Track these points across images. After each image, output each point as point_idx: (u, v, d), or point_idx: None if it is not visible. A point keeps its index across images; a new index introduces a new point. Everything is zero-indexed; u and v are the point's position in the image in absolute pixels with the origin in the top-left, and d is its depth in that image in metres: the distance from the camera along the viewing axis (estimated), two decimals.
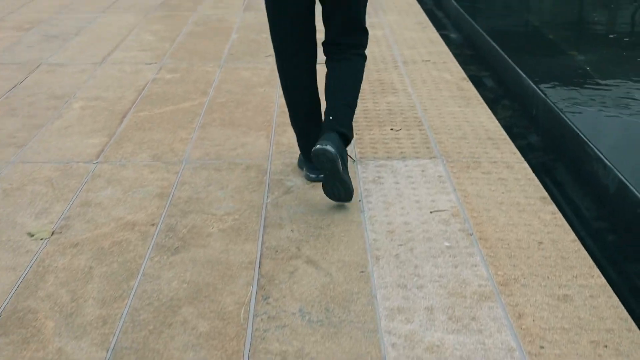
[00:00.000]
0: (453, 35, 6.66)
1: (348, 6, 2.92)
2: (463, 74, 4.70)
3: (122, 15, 6.44)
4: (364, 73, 3.17)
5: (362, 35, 3.05)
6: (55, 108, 4.17)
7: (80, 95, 4.39)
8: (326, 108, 2.98)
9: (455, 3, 7.01)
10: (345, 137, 2.92)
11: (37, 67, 4.97)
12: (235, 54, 5.23)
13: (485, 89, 5.05)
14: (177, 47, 5.40)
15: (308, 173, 3.21)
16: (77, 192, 3.12)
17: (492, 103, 4.61)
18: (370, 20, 6.16)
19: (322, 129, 2.94)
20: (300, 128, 3.18)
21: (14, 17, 6.45)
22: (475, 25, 6.13)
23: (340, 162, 2.79)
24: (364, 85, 4.45)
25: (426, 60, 5.02)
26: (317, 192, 3.09)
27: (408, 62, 4.98)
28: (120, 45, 5.49)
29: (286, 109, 3.32)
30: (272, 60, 4.95)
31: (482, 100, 4.20)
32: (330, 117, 2.93)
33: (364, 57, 3.08)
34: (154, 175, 3.28)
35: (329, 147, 2.75)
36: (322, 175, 3.08)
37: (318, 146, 2.76)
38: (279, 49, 3.01)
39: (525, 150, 3.90)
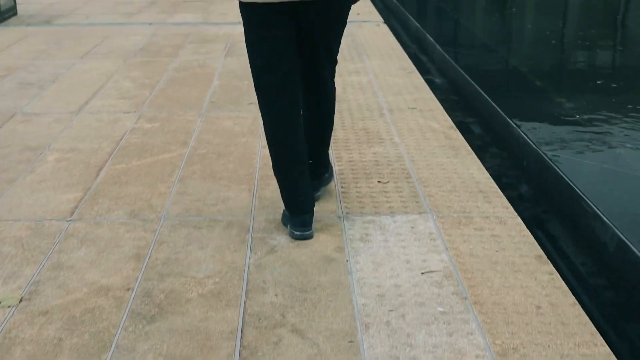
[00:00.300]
0: (438, 80, 6.59)
1: (327, 39, 3.06)
2: (450, 122, 4.60)
3: (100, 62, 6.32)
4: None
5: (334, 66, 3.25)
6: (28, 161, 4.01)
7: (55, 146, 4.23)
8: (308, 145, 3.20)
9: (439, 47, 6.94)
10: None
11: (12, 116, 4.82)
12: (217, 101, 5.10)
13: (472, 136, 4.94)
14: (157, 95, 5.27)
15: (292, 230, 3.07)
16: (49, 254, 2.95)
17: (480, 151, 4.49)
18: (354, 66, 6.08)
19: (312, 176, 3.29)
20: (285, 175, 3.08)
21: None
22: (460, 70, 6.06)
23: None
24: (349, 135, 4.33)
25: (412, 108, 4.91)
26: (302, 251, 2.94)
27: (394, 109, 4.88)
28: (98, 92, 5.36)
29: (269, 161, 3.20)
30: (254, 108, 4.83)
31: (470, 150, 4.09)
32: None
33: (333, 85, 3.29)
34: (130, 234, 3.12)
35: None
36: (308, 233, 3.02)
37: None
38: (264, 89, 2.98)
39: (517, 202, 3.78)
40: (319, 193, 3.43)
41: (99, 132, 4.47)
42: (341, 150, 4.10)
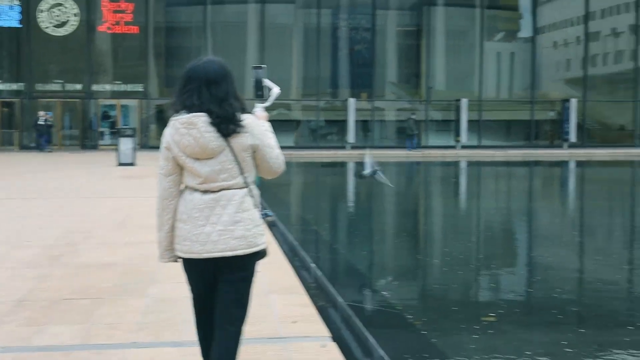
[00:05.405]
0: None
1: (235, 288, 4.31)
2: None
3: None
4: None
5: (241, 312, 4.37)
6: None
7: None
8: None
9: None
10: None
11: None
12: None
13: None
14: None
15: None
16: None
17: None
18: None
19: None
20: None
21: None
22: None
23: None
24: None
25: None
26: None
27: None
28: None
29: None
30: None
31: None
32: None
33: (240, 330, 4.40)
34: None
35: None
36: None
37: None
38: (194, 305, 4.50)
39: None
40: None
41: None
42: None
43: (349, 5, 45.75)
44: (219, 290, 4.33)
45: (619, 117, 47.73)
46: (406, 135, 41.89)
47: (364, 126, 44.36)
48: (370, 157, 24.32)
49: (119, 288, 7.71)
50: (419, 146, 41.27)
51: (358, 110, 42.96)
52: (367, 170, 21.90)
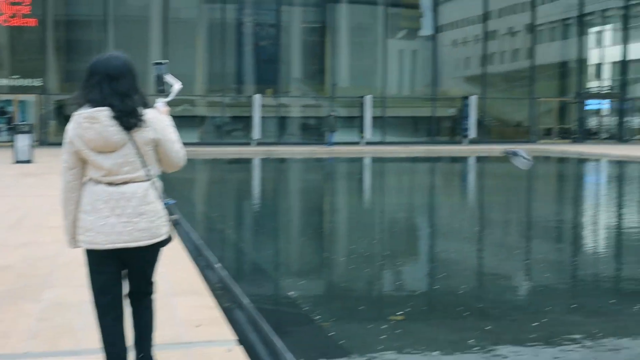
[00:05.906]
0: None
1: (142, 272, 4.62)
2: None
3: None
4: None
5: (151, 286, 4.74)
6: None
7: None
8: (136, 344, 4.66)
9: None
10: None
11: None
12: None
13: None
14: None
15: None
16: None
17: None
18: None
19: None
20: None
21: None
22: None
23: None
24: None
25: None
26: None
27: None
28: None
29: None
30: None
31: None
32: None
33: (152, 299, 4.77)
34: None
35: None
36: None
37: None
38: (100, 306, 4.53)
39: None
40: None
41: None
42: None
43: (254, 0, 45.44)
44: (129, 278, 4.62)
45: (516, 113, 49.14)
46: (328, 131, 42.01)
47: (269, 122, 44.14)
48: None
49: (11, 292, 7.32)
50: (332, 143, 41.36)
51: (263, 106, 42.76)
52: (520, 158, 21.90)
